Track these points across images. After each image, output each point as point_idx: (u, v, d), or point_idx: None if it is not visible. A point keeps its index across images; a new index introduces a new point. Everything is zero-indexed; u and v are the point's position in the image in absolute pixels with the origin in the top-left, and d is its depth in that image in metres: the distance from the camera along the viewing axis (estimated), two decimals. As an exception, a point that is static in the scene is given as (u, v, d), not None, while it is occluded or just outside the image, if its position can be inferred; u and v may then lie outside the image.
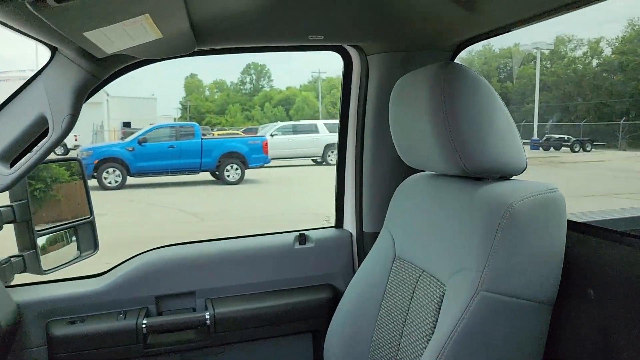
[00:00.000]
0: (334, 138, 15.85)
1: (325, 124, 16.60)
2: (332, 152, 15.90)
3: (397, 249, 1.40)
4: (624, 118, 23.42)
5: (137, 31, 0.88)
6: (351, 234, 1.88)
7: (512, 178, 1.16)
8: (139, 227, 7.82)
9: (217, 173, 12.50)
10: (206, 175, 12.65)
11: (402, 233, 1.39)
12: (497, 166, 1.10)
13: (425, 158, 1.19)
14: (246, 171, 12.54)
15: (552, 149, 21.66)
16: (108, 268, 1.71)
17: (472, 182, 1.17)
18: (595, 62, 33.29)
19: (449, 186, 1.24)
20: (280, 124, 17.95)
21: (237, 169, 12.42)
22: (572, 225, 1.16)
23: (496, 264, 1.00)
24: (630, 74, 28.77)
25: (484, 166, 1.09)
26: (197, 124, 13.58)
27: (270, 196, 10.84)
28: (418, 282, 1.27)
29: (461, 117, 1.05)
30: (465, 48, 1.63)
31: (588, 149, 21.27)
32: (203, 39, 1.34)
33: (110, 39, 0.87)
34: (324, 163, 15.94)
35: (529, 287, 1.02)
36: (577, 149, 21.07)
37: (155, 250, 1.73)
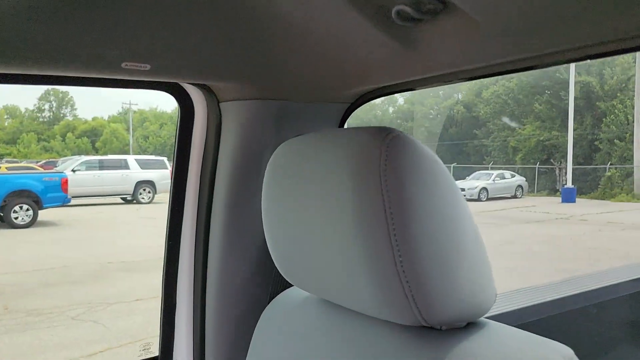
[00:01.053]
0: (146, 175, 15.04)
1: (136, 160, 15.48)
2: (144, 189, 14.88)
3: None
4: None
5: None
6: None
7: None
8: None
9: (1, 215, 10.62)
10: (-13, 218, 10.69)
11: None
12: (467, 310, 0.65)
13: (337, 291, 0.71)
14: (42, 212, 10.91)
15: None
16: None
17: (417, 332, 0.69)
18: (391, 109, 37.28)
19: (375, 333, 0.72)
20: (84, 158, 16.26)
21: (28, 209, 10.71)
22: None
23: None
24: (419, 122, 32.93)
25: (449, 314, 0.64)
26: (-24, 157, 11.49)
27: (68, 242, 9.53)
28: None
29: (419, 241, 0.60)
30: (367, 101, 1.22)
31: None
32: None
33: None
34: (135, 201, 14.81)
35: None
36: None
37: None
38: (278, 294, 0.98)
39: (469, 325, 0.69)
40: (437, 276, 0.62)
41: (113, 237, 9.86)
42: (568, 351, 0.63)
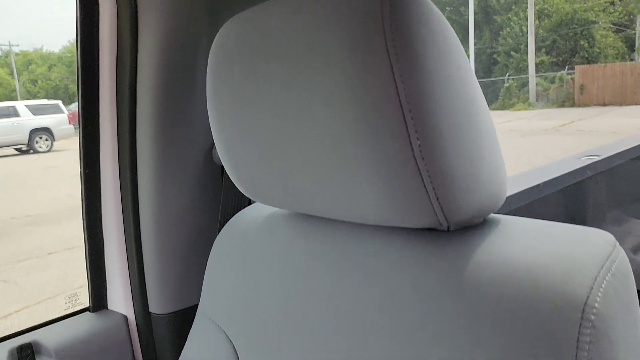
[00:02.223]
0: (40, 122, 13.82)
1: (27, 106, 14.13)
2: (41, 137, 13.73)
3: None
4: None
5: None
6: (125, 318, 1.08)
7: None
8: None
9: None
10: None
11: (253, 331, 0.71)
12: (486, 205, 0.54)
13: (324, 201, 0.57)
14: None
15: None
16: None
17: (427, 235, 0.57)
18: None
19: (374, 241, 0.60)
20: (-37, 108, 14.61)
21: None
22: None
23: None
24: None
25: (471, 210, 0.52)
26: None
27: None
28: None
29: (440, 123, 0.47)
30: None
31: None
32: None
33: None
34: (32, 151, 13.67)
35: None
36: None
37: None
38: (239, 208, 0.83)
39: (485, 222, 0.57)
40: (461, 166, 0.49)
41: (13, 191, 9.12)
42: (608, 236, 0.52)
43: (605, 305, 0.45)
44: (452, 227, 0.55)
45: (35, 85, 36.13)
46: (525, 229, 0.54)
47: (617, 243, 0.51)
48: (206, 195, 1.01)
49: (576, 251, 0.48)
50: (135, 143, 0.98)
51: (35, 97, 33.56)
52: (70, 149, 13.80)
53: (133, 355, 1.07)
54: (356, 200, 0.53)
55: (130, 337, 1.06)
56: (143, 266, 1.03)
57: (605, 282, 0.46)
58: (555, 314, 0.44)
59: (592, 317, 0.44)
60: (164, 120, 0.94)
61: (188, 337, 0.83)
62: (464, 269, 0.51)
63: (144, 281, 1.03)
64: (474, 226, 0.57)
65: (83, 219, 1.06)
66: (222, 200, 0.99)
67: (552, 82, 21.37)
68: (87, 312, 1.09)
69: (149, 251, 1.01)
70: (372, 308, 0.57)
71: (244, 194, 0.69)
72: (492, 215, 0.59)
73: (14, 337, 0.98)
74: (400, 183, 0.49)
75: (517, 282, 0.47)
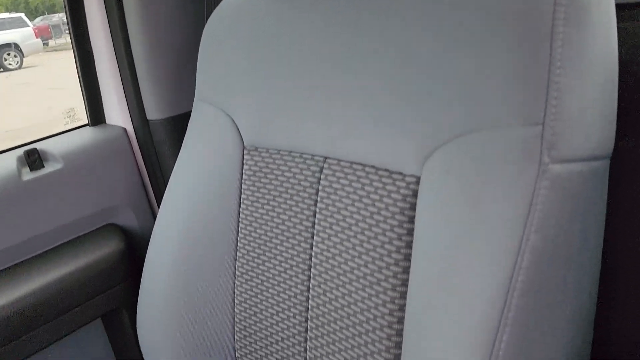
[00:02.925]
0: (5, 37, 13.25)
1: (-11, 21, 13.52)
2: (8, 54, 13.28)
3: (246, 134, 0.74)
4: None
5: None
6: (124, 130, 1.10)
7: None
8: None
9: None
10: None
11: (251, 97, 0.74)
12: None
13: None
14: None
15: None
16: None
17: None
18: None
19: None
20: None
21: None
22: None
23: (566, 98, 0.45)
24: None
25: None
26: None
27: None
28: (324, 177, 0.66)
29: None
30: None
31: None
32: None
33: None
34: (1, 69, 13.29)
35: (595, 130, 0.48)
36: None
37: None
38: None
39: None
40: None
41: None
42: None
43: None
44: None
45: (-6, 0, 34.05)
46: None
47: None
48: None
49: None
50: None
51: (-5, 13, 31.76)
52: (41, 64, 13.41)
53: (135, 160, 1.13)
54: None
55: (131, 146, 1.12)
56: (136, 76, 1.05)
57: None
58: None
59: None
60: None
61: (188, 127, 0.86)
62: None
63: (139, 91, 1.06)
64: None
65: (70, 35, 1.06)
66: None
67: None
68: (88, 127, 1.13)
69: (140, 60, 1.03)
70: (362, 38, 0.61)
71: None
72: None
73: (19, 147, 1.02)
74: None
75: None
